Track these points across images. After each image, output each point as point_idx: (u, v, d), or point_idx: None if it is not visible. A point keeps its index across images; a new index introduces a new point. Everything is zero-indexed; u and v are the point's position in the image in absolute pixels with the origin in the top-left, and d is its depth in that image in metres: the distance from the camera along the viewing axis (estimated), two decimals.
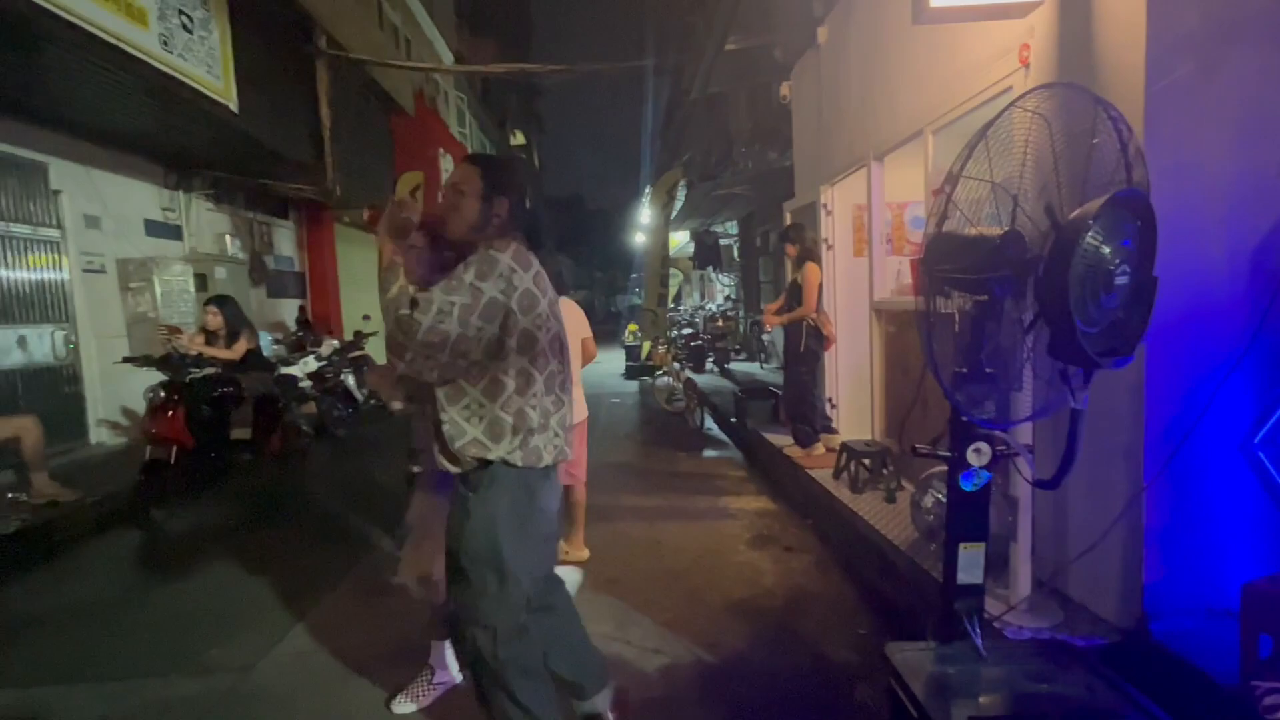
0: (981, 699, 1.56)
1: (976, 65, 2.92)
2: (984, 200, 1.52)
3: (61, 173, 5.50)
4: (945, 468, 1.80)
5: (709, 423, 7.17)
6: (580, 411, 3.22)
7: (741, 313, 13.17)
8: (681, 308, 16.41)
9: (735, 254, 14.30)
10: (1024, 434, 2.05)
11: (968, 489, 1.71)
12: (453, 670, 2.23)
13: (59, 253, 5.55)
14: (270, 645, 2.62)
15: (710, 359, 11.11)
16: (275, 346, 6.90)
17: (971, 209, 1.53)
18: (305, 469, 5.35)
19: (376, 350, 8.71)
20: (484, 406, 1.62)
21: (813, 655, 2.47)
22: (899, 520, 3.22)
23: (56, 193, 5.49)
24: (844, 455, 3.98)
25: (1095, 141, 1.49)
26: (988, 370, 1.63)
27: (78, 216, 5.63)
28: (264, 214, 8.43)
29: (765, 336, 10.81)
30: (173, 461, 4.01)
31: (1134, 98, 1.98)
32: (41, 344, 5.38)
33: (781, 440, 4.99)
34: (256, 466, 4.85)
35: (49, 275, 5.48)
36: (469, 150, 16.33)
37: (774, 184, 8.71)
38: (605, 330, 27.84)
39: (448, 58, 15.54)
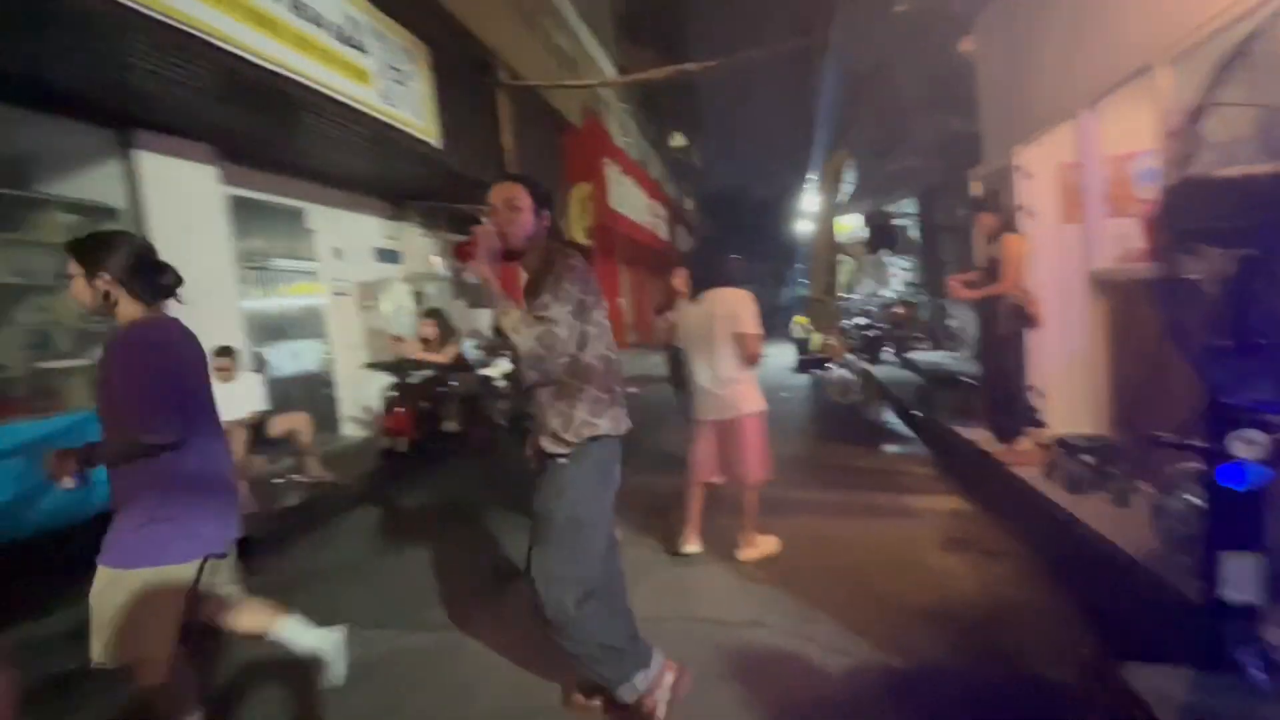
0: None
1: None
2: (1247, 132, 1.24)
3: (314, 214, 6.73)
4: (1201, 463, 1.51)
5: (888, 416, 6.70)
6: (753, 402, 3.20)
7: (923, 297, 12.08)
8: (854, 295, 15.48)
9: (913, 234, 13.16)
10: None
11: (1235, 487, 1.41)
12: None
13: (316, 280, 6.82)
14: (480, 610, 2.97)
15: (888, 348, 10.35)
16: (475, 351, 7.80)
17: (1229, 146, 1.25)
18: (502, 457, 5.97)
19: None
20: (584, 390, 1.86)
21: (1022, 671, 2.20)
22: (1133, 526, 2.74)
23: (311, 232, 6.74)
24: (1058, 451, 3.48)
25: None
26: (1260, 341, 1.33)
27: (327, 250, 6.86)
28: (462, 235, 9.56)
29: (953, 322, 9.81)
30: (403, 451, 4.72)
31: None
32: (308, 356, 6.65)
33: (977, 434, 4.50)
34: (464, 455, 5.53)
35: (310, 300, 6.76)
36: (630, 158, 16.98)
37: (956, 152, 7.85)
38: (769, 324, 27.19)
39: (610, 70, 16.31)
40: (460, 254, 1.81)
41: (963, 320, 9.29)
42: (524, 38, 9.14)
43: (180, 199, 4.84)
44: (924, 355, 10.06)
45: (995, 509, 3.68)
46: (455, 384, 5.40)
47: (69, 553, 3.53)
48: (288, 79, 4.36)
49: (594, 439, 1.87)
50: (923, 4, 5.49)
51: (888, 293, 13.73)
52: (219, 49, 3.81)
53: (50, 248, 4.46)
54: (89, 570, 3.39)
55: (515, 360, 1.90)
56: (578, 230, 10.34)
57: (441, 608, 3.04)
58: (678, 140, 28.27)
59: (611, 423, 1.91)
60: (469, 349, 6.69)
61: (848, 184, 11.34)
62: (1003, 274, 3.93)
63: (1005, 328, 4.00)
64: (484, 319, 9.86)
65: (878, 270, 15.57)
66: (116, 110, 4.33)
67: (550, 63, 10.78)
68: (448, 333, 5.31)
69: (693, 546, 3.38)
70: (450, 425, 5.33)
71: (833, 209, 10.59)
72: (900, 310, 10.95)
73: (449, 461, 5.56)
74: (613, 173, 13.80)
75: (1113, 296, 3.78)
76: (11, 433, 3.32)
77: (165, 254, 5.04)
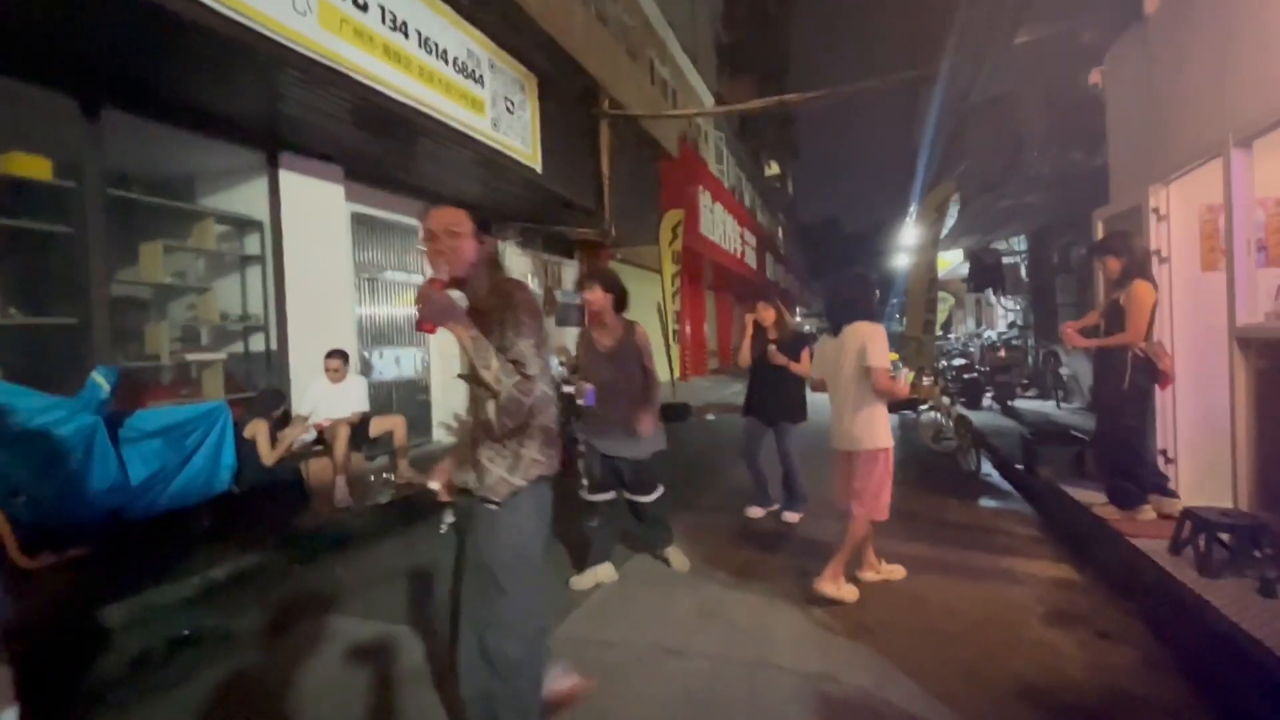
0: None
1: None
2: None
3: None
4: None
5: (986, 468, 6.24)
6: (877, 438, 3.17)
7: (1030, 341, 11.25)
8: (953, 335, 14.64)
9: (1023, 273, 12.33)
10: None
11: None
12: None
13: None
14: (555, 625, 3.00)
15: (988, 394, 9.69)
16: (559, 368, 8.01)
17: None
18: (579, 475, 6.04)
19: None
20: (539, 428, 1.87)
21: None
22: None
23: (422, 247, 7.22)
24: (1188, 525, 3.11)
25: None
26: None
27: None
28: (555, 255, 9.92)
29: (1064, 370, 9.06)
30: None
31: None
32: (408, 363, 7.08)
33: (1091, 498, 4.10)
34: None
35: (414, 310, 7.23)
36: (723, 185, 17.05)
37: (1077, 189, 7.35)
38: None
39: (708, 99, 16.55)
40: (421, 328, 1.75)
41: (1076, 369, 8.56)
42: (628, 69, 9.46)
43: (312, 214, 5.34)
44: (1029, 404, 9.33)
45: (1110, 583, 3.32)
46: None
47: (193, 527, 3.92)
48: (413, 108, 4.73)
49: (540, 478, 1.88)
50: (1046, 35, 5.20)
51: (990, 334, 12.89)
52: (357, 82, 4.20)
53: (203, 253, 5.03)
54: (211, 543, 3.72)
55: (485, 397, 1.82)
56: (666, 256, 10.46)
57: None
58: (772, 169, 28.18)
59: (552, 461, 1.90)
60: (555, 366, 6.89)
61: (951, 218, 10.80)
62: (1128, 323, 3.60)
63: (1131, 382, 3.65)
64: (570, 338, 10.15)
65: (980, 310, 14.67)
66: (266, 134, 4.86)
67: (651, 92, 11.08)
68: None
69: (868, 574, 3.44)
70: None
71: (934, 243, 10.10)
72: (1004, 354, 10.24)
73: None
74: (705, 199, 13.90)
75: (1262, 356, 3.36)
76: (157, 415, 3.73)
77: (297, 262, 5.51)
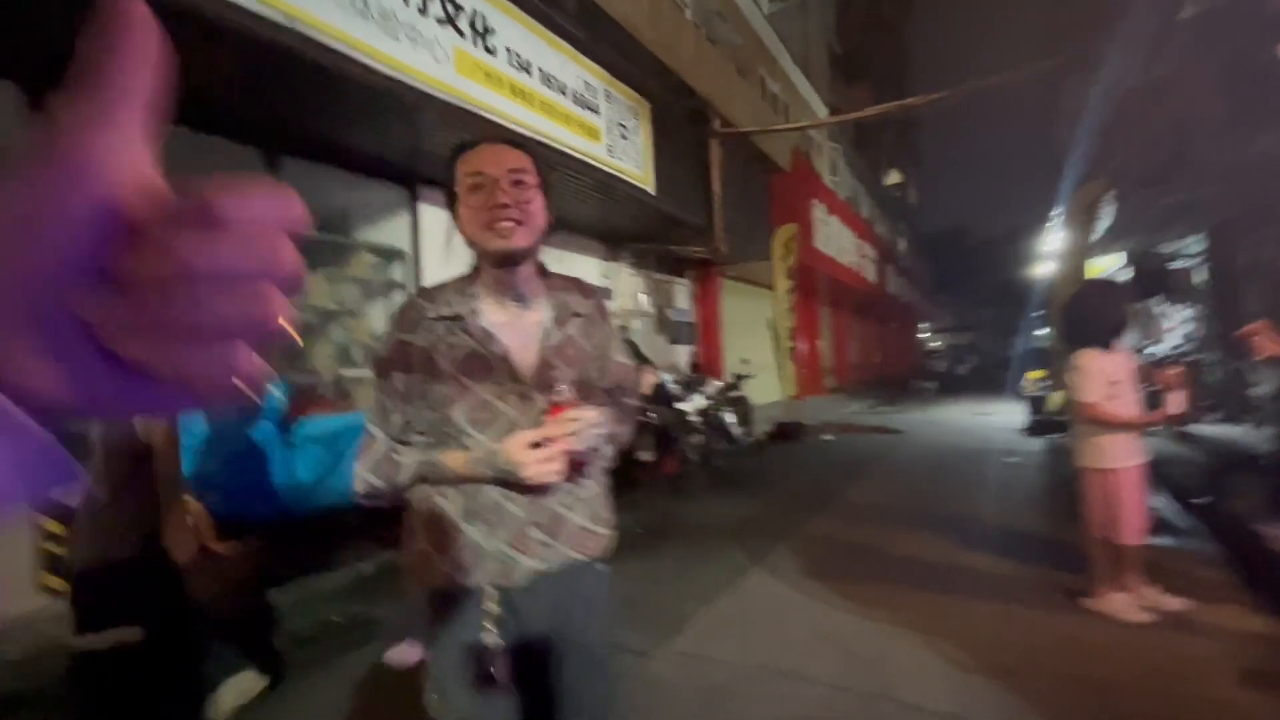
0: None
1: None
2: None
3: (544, 255, 7.62)
4: None
5: (1154, 499, 5.45)
6: (1085, 457, 3.26)
7: (1213, 356, 9.74)
8: None
9: (1197, 278, 10.74)
10: None
11: None
12: None
13: None
14: (662, 640, 3.01)
15: None
16: (672, 385, 8.08)
17: None
18: (691, 491, 6.04)
19: (753, 390, 9.37)
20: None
21: None
22: None
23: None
24: None
25: None
26: None
27: None
28: (667, 274, 10.08)
29: (1259, 389, 7.73)
30: None
31: None
32: None
33: None
34: (654, 484, 5.72)
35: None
36: (839, 198, 16.46)
37: (1270, 178, 6.32)
38: (994, 378, 23.99)
39: (821, 110, 16.15)
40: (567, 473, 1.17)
41: (1273, 384, 7.28)
42: (738, 87, 9.50)
43: (447, 243, 5.85)
44: (1213, 429, 8.05)
45: None
46: (652, 416, 5.65)
47: (349, 524, 4.36)
48: (536, 141, 5.07)
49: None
50: (1220, 6, 4.56)
51: (1158, 349, 11.30)
52: (487, 119, 4.58)
53: (357, 281, 5.66)
54: (363, 539, 4.11)
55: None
56: (780, 272, 10.27)
57: (625, 630, 3.14)
58: (893, 177, 26.88)
59: None
60: (668, 383, 6.97)
61: (1104, 220, 9.66)
62: None
63: None
64: (682, 356, 10.23)
65: (1146, 322, 12.94)
66: (408, 171, 5.41)
67: (762, 108, 11.02)
68: (642, 363, 5.61)
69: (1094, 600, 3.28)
70: (645, 455, 5.57)
71: (1084, 248, 9.08)
72: (1174, 371, 8.93)
73: (640, 489, 5.79)
74: (819, 213, 13.52)
75: None
76: (319, 424, 4.22)
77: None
